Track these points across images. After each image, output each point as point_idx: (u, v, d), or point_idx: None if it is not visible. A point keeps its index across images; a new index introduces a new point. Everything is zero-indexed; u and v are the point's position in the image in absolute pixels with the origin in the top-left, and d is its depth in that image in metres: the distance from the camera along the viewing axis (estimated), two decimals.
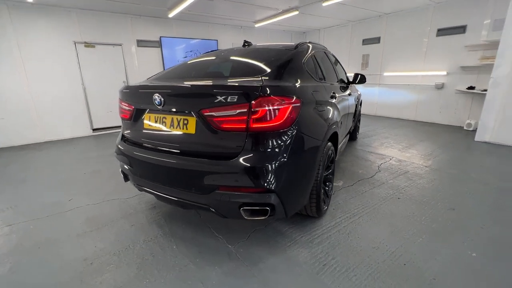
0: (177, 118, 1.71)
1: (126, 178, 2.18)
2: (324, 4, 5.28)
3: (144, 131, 1.90)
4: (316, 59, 2.49)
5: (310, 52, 2.40)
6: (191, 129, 1.66)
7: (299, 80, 1.88)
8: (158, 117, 1.81)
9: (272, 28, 8.34)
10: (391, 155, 4.04)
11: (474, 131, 5.36)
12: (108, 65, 5.99)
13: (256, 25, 7.41)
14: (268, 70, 1.83)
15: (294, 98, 1.64)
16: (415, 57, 6.48)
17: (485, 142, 4.60)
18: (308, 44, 2.52)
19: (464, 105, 5.81)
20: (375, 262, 1.77)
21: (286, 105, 1.55)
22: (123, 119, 2.09)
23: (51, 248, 2.01)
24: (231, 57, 2.40)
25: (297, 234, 2.11)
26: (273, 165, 1.52)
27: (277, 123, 1.53)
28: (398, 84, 6.98)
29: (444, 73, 5.97)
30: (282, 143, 1.56)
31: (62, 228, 2.28)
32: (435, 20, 5.99)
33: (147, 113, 1.87)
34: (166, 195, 1.84)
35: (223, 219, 2.26)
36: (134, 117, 1.95)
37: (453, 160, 3.76)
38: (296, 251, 1.91)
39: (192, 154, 1.67)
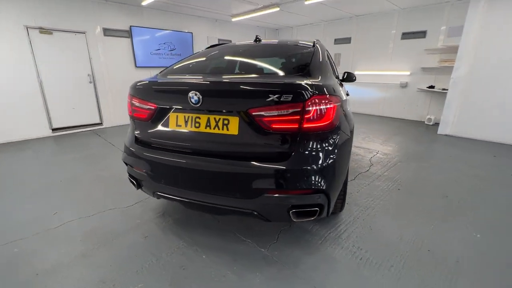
0: (215, 118, 1.57)
1: (138, 185, 1.94)
2: (307, 2, 5.38)
3: (170, 133, 1.70)
4: (329, 57, 2.53)
5: (325, 51, 2.42)
6: (233, 129, 1.54)
7: (330, 78, 1.88)
8: (189, 116, 1.63)
9: (248, 24, 8.22)
10: (376, 148, 4.35)
11: (434, 125, 6.09)
12: (70, 55, 5.23)
13: (233, 19, 7.22)
14: (303, 68, 1.78)
15: (337, 96, 1.64)
16: (383, 58, 7.04)
17: (447, 135, 5.25)
18: (320, 42, 2.54)
19: (424, 102, 6.53)
20: (404, 252, 1.89)
21: (333, 104, 1.54)
22: (137, 119, 1.84)
23: (54, 275, 1.69)
24: (258, 53, 2.30)
25: (324, 231, 2.14)
26: (324, 165, 1.50)
27: (326, 122, 1.50)
28: (368, 83, 7.51)
29: (408, 73, 6.61)
30: (330, 143, 1.55)
31: (59, 248, 1.94)
32: (400, 24, 6.58)
33: (174, 112, 1.68)
34: (200, 201, 1.69)
35: (241, 221, 2.19)
36: (156, 117, 1.73)
37: (427, 152, 4.21)
38: (330, 248, 1.94)
39: (235, 156, 1.55)
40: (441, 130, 5.35)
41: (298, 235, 2.08)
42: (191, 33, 6.97)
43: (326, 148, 1.53)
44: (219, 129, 1.57)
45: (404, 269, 1.73)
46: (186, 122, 1.64)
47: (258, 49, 2.31)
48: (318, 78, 1.67)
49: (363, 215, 2.37)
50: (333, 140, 1.57)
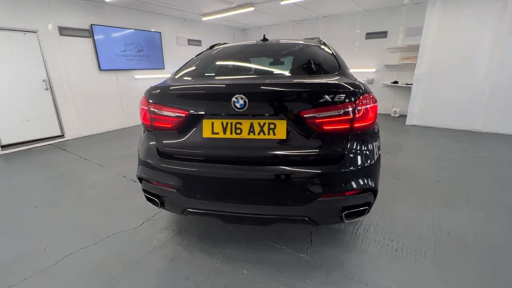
0: (259, 123, 1.46)
1: (161, 204, 1.72)
2: (283, 3, 5.43)
3: (204, 141, 1.53)
4: None
5: None
6: (281, 134, 1.45)
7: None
8: (228, 123, 1.49)
9: (217, 23, 8.00)
10: None
11: (399, 117, 6.70)
12: (18, 59, 4.44)
13: (204, 19, 6.95)
14: (335, 67, 1.77)
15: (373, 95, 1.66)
16: (350, 56, 7.48)
17: (414, 125, 5.82)
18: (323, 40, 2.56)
19: (389, 96, 7.14)
20: (429, 237, 2.01)
21: (376, 103, 1.55)
22: (159, 128, 1.62)
23: None
24: (277, 53, 2.24)
25: (351, 227, 2.17)
26: (371, 164, 1.51)
27: (371, 121, 1.51)
28: None
29: (374, 70, 7.16)
30: (374, 140, 1.57)
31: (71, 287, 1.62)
32: (364, 25, 7.07)
33: (208, 119, 1.52)
34: (243, 214, 1.56)
35: (268, 229, 2.12)
36: (186, 125, 1.54)
37: (405, 142, 4.61)
38: (364, 244, 1.97)
39: (283, 162, 1.47)
40: (408, 121, 5.91)
41: (329, 235, 2.08)
42: (160, 32, 6.51)
43: (371, 146, 1.54)
44: (264, 134, 1.47)
45: (437, 254, 1.84)
46: (224, 129, 1.50)
47: (276, 49, 2.25)
48: (354, 77, 1.67)
49: (379, 206, 2.47)
50: (375, 138, 1.59)
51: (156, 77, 6.73)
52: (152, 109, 1.60)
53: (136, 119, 6.46)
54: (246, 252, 1.90)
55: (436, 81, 5.42)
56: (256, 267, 1.76)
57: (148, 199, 1.77)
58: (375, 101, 1.51)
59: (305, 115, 1.41)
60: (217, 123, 1.51)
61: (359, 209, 1.53)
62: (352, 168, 1.44)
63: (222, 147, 1.52)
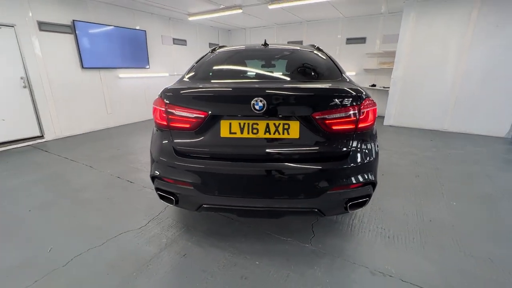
0: (274, 124, 1.59)
1: (176, 201, 1.78)
2: (271, 7, 5.60)
3: (222, 141, 1.63)
4: None
5: None
6: (294, 133, 1.60)
7: None
8: (245, 123, 1.60)
9: (203, 23, 7.98)
10: None
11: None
12: None
13: (190, 18, 6.91)
14: (338, 74, 1.95)
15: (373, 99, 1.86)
16: None
17: (391, 126, 6.28)
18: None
19: None
20: (415, 225, 2.28)
21: (375, 106, 1.75)
22: (176, 128, 1.69)
23: None
24: (289, 58, 2.37)
25: (347, 219, 2.37)
26: (372, 159, 1.71)
27: (371, 122, 1.71)
28: None
29: (354, 73, 7.58)
30: (373, 139, 1.77)
31: (90, 286, 1.63)
32: (344, 30, 7.48)
33: (225, 119, 1.62)
34: (259, 207, 1.68)
35: (272, 223, 2.26)
36: (204, 125, 1.63)
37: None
38: (361, 233, 2.18)
39: (297, 159, 1.61)
40: (386, 122, 6.36)
41: (329, 226, 2.27)
42: (144, 31, 6.38)
43: (371, 144, 1.74)
44: (279, 134, 1.60)
45: (422, 238, 2.10)
46: (241, 129, 1.61)
47: (284, 55, 2.40)
48: (354, 83, 1.86)
49: (370, 200, 2.70)
50: (374, 137, 1.79)
51: (141, 76, 6.59)
52: (170, 110, 1.67)
53: (121, 119, 6.28)
54: (255, 245, 2.02)
55: (411, 85, 5.90)
56: (266, 258, 1.89)
57: (162, 197, 1.83)
58: (375, 104, 1.71)
59: (316, 117, 1.57)
60: (235, 124, 1.62)
61: (361, 200, 1.73)
62: (356, 163, 1.63)
63: (239, 146, 1.64)
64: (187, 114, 1.64)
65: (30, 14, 4.48)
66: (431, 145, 4.67)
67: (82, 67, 5.30)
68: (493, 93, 5.09)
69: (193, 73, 2.07)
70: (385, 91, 6.74)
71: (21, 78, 4.53)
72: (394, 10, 6.36)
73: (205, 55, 2.45)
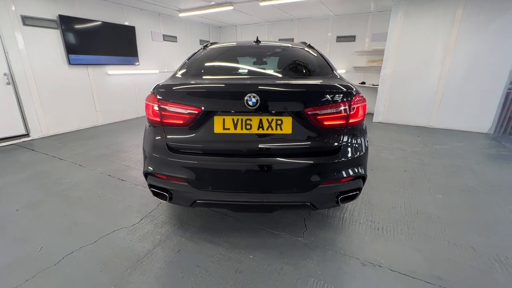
0: (267, 119, 1.62)
1: (170, 198, 1.79)
2: (262, 4, 5.60)
3: (216, 136, 1.64)
4: None
5: None
6: (287, 129, 1.63)
7: None
8: (238, 119, 1.62)
9: (193, 20, 7.90)
10: None
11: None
12: None
13: (180, 15, 6.83)
14: (330, 71, 1.99)
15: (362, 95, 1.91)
16: None
17: (380, 122, 6.42)
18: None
19: None
20: (402, 217, 2.36)
21: (365, 102, 1.79)
22: (169, 125, 1.69)
23: None
24: (282, 55, 2.38)
25: (338, 212, 2.43)
26: (362, 154, 1.76)
27: (361, 117, 1.76)
28: None
29: (344, 71, 7.69)
30: (363, 134, 1.82)
31: (82, 284, 1.61)
32: (335, 29, 7.56)
33: (219, 115, 1.63)
34: (253, 202, 1.71)
35: (264, 217, 2.29)
36: (198, 121, 1.64)
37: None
38: (351, 225, 2.24)
39: (290, 154, 1.65)
40: (375, 119, 6.50)
41: (321, 219, 2.32)
42: (134, 26, 6.26)
43: (361, 139, 1.79)
44: (272, 129, 1.63)
45: (410, 229, 2.18)
46: (235, 124, 1.63)
47: (276, 52, 2.42)
48: (344, 79, 1.91)
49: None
50: (364, 132, 1.84)
51: (131, 73, 6.47)
52: (163, 106, 1.67)
53: (110, 117, 6.16)
54: (249, 240, 2.05)
55: (399, 83, 6.05)
56: (260, 251, 1.92)
57: (155, 194, 1.83)
58: (365, 100, 1.76)
59: (309, 112, 1.60)
60: (228, 119, 1.63)
61: (352, 194, 1.78)
62: (347, 158, 1.68)
63: (232, 142, 1.65)
64: (180, 110, 1.64)
65: (13, 8, 4.32)
66: (418, 141, 4.82)
67: (69, 63, 5.15)
68: (476, 91, 5.28)
69: (186, 70, 2.07)
70: (374, 89, 6.88)
71: (5, 74, 4.37)
72: (383, 9, 6.48)
73: (197, 51, 2.44)
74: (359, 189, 1.80)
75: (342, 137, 1.68)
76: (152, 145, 1.76)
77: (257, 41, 2.55)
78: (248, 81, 1.72)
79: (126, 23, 6.16)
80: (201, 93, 1.67)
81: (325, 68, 2.05)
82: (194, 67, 2.11)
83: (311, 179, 1.64)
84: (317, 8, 6.51)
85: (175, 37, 7.62)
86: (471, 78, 5.27)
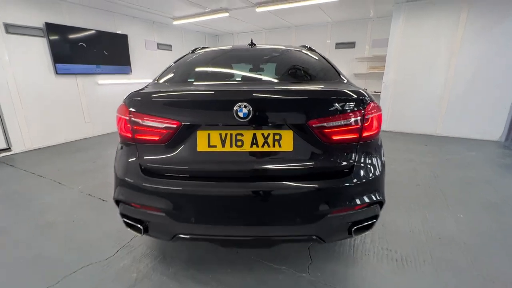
0: (263, 134, 1.31)
1: (145, 230, 1.46)
2: (258, 10, 5.40)
3: (199, 156, 1.33)
4: None
5: None
6: (287, 146, 1.32)
7: None
8: (227, 134, 1.31)
9: (188, 28, 7.72)
10: None
11: None
12: None
13: (175, 22, 6.64)
14: (336, 75, 1.71)
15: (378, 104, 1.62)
16: None
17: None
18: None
19: None
20: (423, 244, 2.03)
21: (380, 111, 1.50)
22: (143, 141, 1.39)
23: None
24: (273, 58, 2.12)
25: (348, 240, 2.09)
26: (379, 174, 1.45)
27: (377, 130, 1.46)
28: None
29: None
30: (380, 150, 1.51)
31: None
32: (334, 35, 7.39)
33: (203, 130, 1.32)
34: (247, 237, 1.38)
35: (260, 248, 1.95)
36: (177, 137, 1.33)
37: None
38: (365, 256, 1.90)
39: (291, 177, 1.33)
40: None
41: (328, 249, 1.98)
42: (126, 35, 6.05)
43: (377, 156, 1.48)
44: (269, 146, 1.32)
45: (433, 260, 1.85)
46: (223, 141, 1.32)
47: (272, 54, 2.14)
48: (354, 85, 1.61)
49: None
50: (379, 148, 1.54)
51: (123, 83, 6.22)
52: (134, 119, 1.36)
53: (100, 128, 5.86)
54: (243, 276, 1.71)
55: (402, 89, 5.79)
56: None
57: (128, 225, 1.50)
58: (380, 109, 1.46)
59: (313, 125, 1.29)
60: (215, 135, 1.32)
61: (368, 223, 1.46)
62: (361, 180, 1.36)
63: (220, 162, 1.34)
64: (155, 124, 1.34)
65: None
66: (426, 150, 4.51)
67: (56, 73, 4.89)
68: (485, 96, 5.01)
69: (168, 76, 1.78)
70: (376, 96, 6.62)
71: None
72: (383, 14, 6.31)
73: (184, 55, 2.17)
74: (376, 217, 1.48)
75: (354, 154, 1.37)
76: (123, 166, 1.45)
77: (252, 44, 2.28)
78: (237, 88, 1.43)
79: (119, 32, 5.94)
80: (180, 103, 1.37)
81: (330, 72, 1.76)
82: (178, 73, 1.83)
83: (318, 207, 1.31)
84: (315, 14, 6.34)
85: (170, 45, 7.42)
86: (478, 82, 5.02)
